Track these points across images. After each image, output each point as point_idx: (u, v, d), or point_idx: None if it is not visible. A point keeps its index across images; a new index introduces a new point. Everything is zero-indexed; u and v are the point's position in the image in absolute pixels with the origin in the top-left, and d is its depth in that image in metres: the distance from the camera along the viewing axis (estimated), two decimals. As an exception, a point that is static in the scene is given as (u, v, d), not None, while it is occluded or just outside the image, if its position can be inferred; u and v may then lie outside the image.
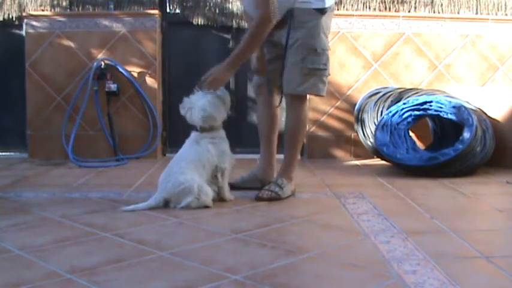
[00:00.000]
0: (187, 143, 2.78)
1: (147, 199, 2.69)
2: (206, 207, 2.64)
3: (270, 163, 3.10)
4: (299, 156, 2.98)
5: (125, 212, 2.56)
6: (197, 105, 2.76)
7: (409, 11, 4.45)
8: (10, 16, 4.42)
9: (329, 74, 2.90)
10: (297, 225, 2.38)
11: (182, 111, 2.81)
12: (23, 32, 4.37)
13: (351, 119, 4.29)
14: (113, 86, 4.25)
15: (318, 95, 2.93)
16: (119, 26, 4.33)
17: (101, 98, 4.29)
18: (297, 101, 2.89)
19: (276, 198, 2.83)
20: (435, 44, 4.42)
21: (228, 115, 2.87)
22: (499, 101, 3.87)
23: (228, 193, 2.81)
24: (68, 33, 4.33)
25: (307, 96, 2.93)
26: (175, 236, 2.20)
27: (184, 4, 4.46)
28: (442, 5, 4.48)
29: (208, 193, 2.66)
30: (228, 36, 4.53)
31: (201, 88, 2.78)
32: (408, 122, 3.75)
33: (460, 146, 3.45)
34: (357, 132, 4.19)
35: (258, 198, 2.83)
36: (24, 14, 4.36)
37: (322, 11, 2.80)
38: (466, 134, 3.49)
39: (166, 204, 2.64)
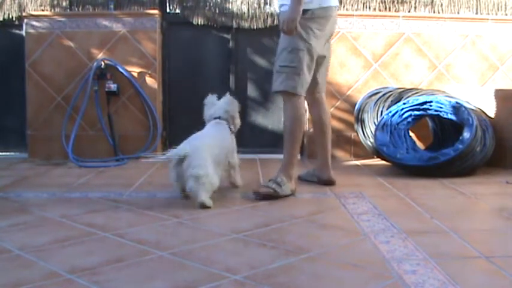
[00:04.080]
0: (219, 129, 2.99)
1: (147, 199, 2.69)
2: (205, 207, 2.64)
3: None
4: (298, 156, 3.05)
5: (124, 212, 2.57)
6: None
7: (409, 11, 4.45)
8: (10, 16, 4.42)
9: (299, 74, 2.94)
10: (297, 225, 2.38)
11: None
12: (23, 32, 4.37)
13: (351, 119, 4.29)
14: (113, 86, 4.25)
15: (289, 92, 2.97)
16: (119, 26, 4.33)
17: (101, 98, 4.29)
18: (284, 99, 3.02)
19: (273, 196, 2.85)
20: (435, 44, 4.42)
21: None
22: (499, 101, 3.87)
23: (239, 179, 3.11)
24: (68, 33, 4.33)
25: (296, 94, 2.97)
26: (175, 236, 2.20)
27: (184, 4, 4.46)
28: (442, 5, 4.48)
29: (215, 183, 2.73)
30: (228, 36, 4.53)
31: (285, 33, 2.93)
32: (408, 122, 3.75)
33: (460, 146, 3.45)
34: (357, 132, 4.19)
35: (255, 193, 2.86)
36: (24, 14, 4.36)
37: (302, 13, 2.88)
38: (466, 134, 3.49)
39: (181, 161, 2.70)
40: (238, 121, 3.16)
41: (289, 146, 2.99)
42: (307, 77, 3.01)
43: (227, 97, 3.14)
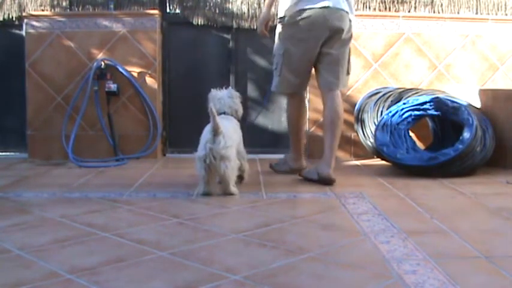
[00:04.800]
0: (231, 122, 3.12)
1: (147, 199, 2.69)
2: (230, 194, 2.87)
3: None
4: (301, 146, 3.64)
5: (124, 212, 2.57)
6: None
7: (409, 11, 4.45)
8: (10, 16, 4.42)
9: (279, 75, 3.39)
10: (297, 225, 2.38)
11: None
12: (23, 32, 4.37)
13: (351, 119, 4.29)
14: (113, 86, 4.25)
15: (277, 92, 3.62)
16: (119, 26, 4.33)
17: (101, 98, 4.29)
18: None
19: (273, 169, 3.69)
20: (435, 44, 4.42)
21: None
22: (499, 101, 3.87)
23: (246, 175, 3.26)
24: (68, 33, 4.33)
25: (288, 93, 3.52)
26: (175, 236, 2.20)
27: (184, 4, 4.46)
28: (442, 5, 4.48)
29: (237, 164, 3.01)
30: (228, 36, 4.53)
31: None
32: (408, 122, 3.75)
33: (460, 146, 3.45)
34: (357, 132, 4.19)
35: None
36: (24, 14, 4.36)
37: (279, 20, 3.34)
38: (466, 134, 3.49)
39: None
40: (241, 112, 3.35)
41: (290, 137, 3.62)
42: (290, 77, 3.37)
43: (229, 91, 3.29)
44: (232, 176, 2.88)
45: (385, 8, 4.44)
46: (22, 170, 3.84)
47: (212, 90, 3.31)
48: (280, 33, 3.34)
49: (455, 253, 1.97)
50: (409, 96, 3.96)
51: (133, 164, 4.11)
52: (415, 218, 2.48)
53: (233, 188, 2.91)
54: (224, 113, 3.19)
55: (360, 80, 4.38)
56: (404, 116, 3.75)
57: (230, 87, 3.34)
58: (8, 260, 1.90)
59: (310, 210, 2.64)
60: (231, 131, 2.92)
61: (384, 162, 3.90)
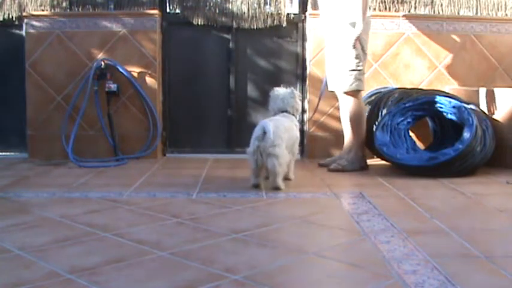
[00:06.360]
0: (288, 120, 3.27)
1: (147, 199, 2.69)
2: (276, 188, 3.03)
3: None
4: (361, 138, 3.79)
5: (124, 212, 2.57)
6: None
7: (409, 11, 4.45)
8: (10, 16, 4.41)
9: (364, 74, 3.76)
10: (297, 225, 2.38)
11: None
12: (23, 32, 4.37)
13: (351, 119, 4.29)
14: (113, 86, 4.25)
15: (359, 90, 3.78)
16: (119, 26, 4.33)
17: (101, 98, 4.29)
18: (350, 97, 3.77)
19: (341, 170, 3.69)
20: (435, 44, 4.42)
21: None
22: (499, 101, 3.87)
23: (292, 173, 3.38)
24: (68, 33, 4.33)
25: (362, 91, 3.83)
26: (175, 236, 2.20)
27: (184, 4, 4.46)
28: (442, 5, 4.47)
29: (288, 160, 3.18)
30: (228, 36, 4.53)
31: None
32: (408, 122, 3.75)
33: (460, 146, 3.45)
34: (357, 132, 4.18)
35: (329, 169, 3.74)
36: (24, 14, 4.36)
37: (360, 26, 3.70)
38: (466, 134, 3.49)
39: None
40: (300, 110, 3.51)
41: (356, 132, 3.72)
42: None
43: (291, 91, 3.42)
44: (280, 171, 3.04)
45: (385, 8, 4.44)
46: (22, 170, 3.84)
47: (274, 89, 3.47)
48: (360, 38, 3.67)
49: (455, 253, 1.98)
50: (409, 96, 3.95)
51: (133, 164, 4.11)
52: (415, 218, 2.48)
53: (280, 182, 3.06)
54: (286, 111, 3.35)
55: (360, 80, 4.38)
56: (404, 116, 3.75)
57: (292, 87, 3.46)
58: (8, 260, 1.90)
59: (310, 210, 2.64)
60: (281, 130, 3.06)
61: (384, 162, 3.90)
